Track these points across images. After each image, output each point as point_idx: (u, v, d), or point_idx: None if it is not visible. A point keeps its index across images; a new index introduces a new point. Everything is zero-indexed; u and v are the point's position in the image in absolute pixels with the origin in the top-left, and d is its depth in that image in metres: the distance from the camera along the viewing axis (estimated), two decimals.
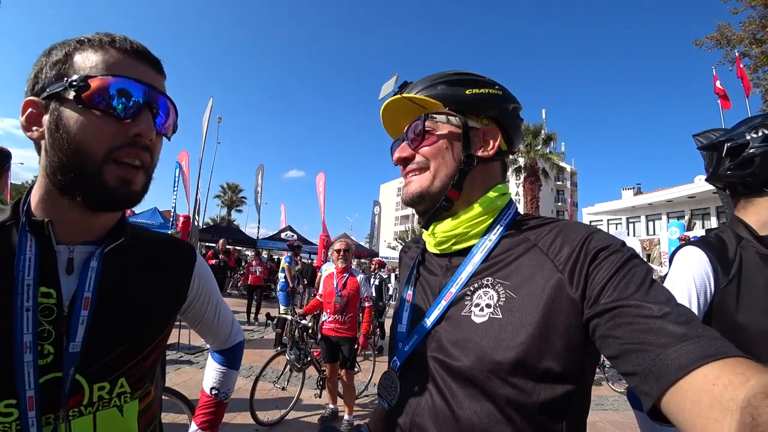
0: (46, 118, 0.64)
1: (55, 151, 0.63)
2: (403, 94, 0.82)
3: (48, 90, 0.63)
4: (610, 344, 0.56)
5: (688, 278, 1.09)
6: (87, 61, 0.64)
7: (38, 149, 0.68)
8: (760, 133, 1.12)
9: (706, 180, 1.32)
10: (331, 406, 4.32)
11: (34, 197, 0.68)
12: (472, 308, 0.71)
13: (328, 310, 4.20)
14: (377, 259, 11.56)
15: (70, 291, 0.66)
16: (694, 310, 1.05)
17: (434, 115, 0.80)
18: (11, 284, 0.61)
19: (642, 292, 0.57)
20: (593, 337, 0.60)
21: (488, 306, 0.69)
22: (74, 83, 0.61)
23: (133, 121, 0.65)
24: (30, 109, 0.65)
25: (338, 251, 4.34)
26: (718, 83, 11.07)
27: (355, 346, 4.21)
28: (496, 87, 0.81)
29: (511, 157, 0.90)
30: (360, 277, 4.35)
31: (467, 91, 0.78)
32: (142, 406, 0.75)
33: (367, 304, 4.35)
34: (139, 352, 0.73)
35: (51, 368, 0.62)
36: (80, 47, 0.65)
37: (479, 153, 0.79)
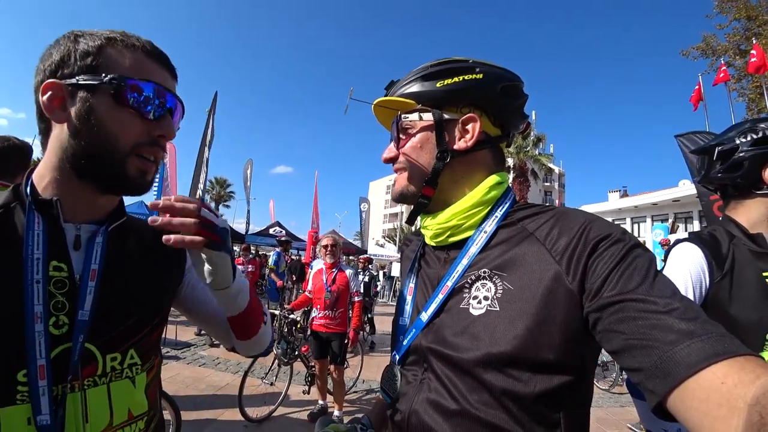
0: (73, 104, 0.67)
1: (81, 139, 0.67)
2: (379, 99, 0.84)
3: (78, 79, 0.66)
4: (613, 339, 0.55)
5: (684, 273, 1.13)
6: (122, 60, 0.69)
7: (46, 130, 0.71)
8: (748, 138, 1.18)
9: (698, 182, 1.38)
10: (320, 402, 4.33)
11: (42, 178, 0.71)
12: (471, 300, 0.70)
13: (318, 306, 4.20)
14: (365, 256, 11.59)
15: (79, 265, 0.71)
16: None
17: (406, 115, 0.80)
18: (20, 260, 0.64)
19: (646, 285, 0.55)
20: (594, 331, 0.59)
21: (486, 298, 0.68)
22: (114, 82, 0.66)
23: (158, 122, 0.72)
24: (50, 92, 0.67)
25: (326, 247, 4.34)
26: (694, 91, 11.24)
27: (345, 341, 4.22)
28: (477, 70, 0.76)
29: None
30: (349, 271, 4.36)
31: (438, 84, 0.77)
32: (149, 378, 0.80)
33: (356, 299, 4.36)
34: (146, 324, 0.78)
35: (66, 338, 0.66)
36: (112, 44, 0.69)
37: (457, 146, 0.77)
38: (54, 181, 0.70)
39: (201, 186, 7.45)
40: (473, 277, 0.72)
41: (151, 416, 0.80)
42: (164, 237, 0.65)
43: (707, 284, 1.12)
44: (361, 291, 4.67)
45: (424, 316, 0.77)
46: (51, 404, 0.62)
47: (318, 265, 4.49)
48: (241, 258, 8.30)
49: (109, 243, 0.75)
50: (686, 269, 1.14)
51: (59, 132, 0.69)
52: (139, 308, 0.77)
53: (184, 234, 0.66)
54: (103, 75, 0.66)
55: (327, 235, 4.78)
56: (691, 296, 1.10)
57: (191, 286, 0.95)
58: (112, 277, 0.73)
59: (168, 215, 0.66)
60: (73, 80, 0.66)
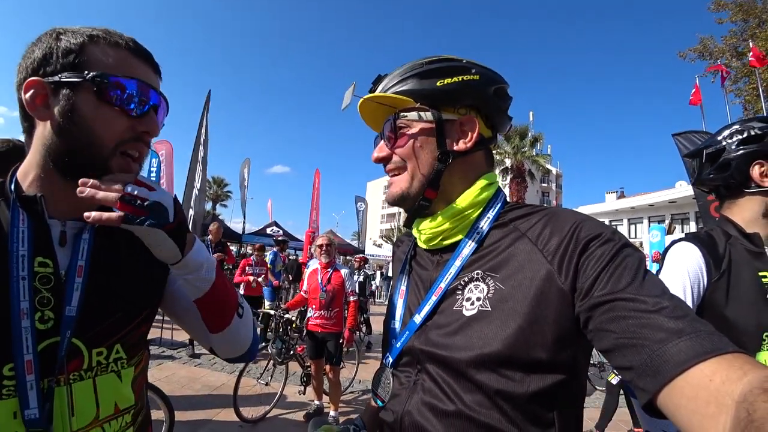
0: (56, 102, 0.67)
1: (65, 137, 0.67)
2: (373, 93, 0.79)
3: (60, 77, 0.66)
4: (604, 338, 0.56)
5: (682, 272, 1.13)
6: (104, 57, 0.69)
7: (30, 129, 0.71)
8: (734, 138, 1.21)
9: (693, 185, 1.40)
10: (316, 402, 4.32)
11: (26, 175, 0.71)
12: (463, 302, 0.70)
13: (314, 306, 4.18)
14: (360, 256, 11.59)
15: (65, 261, 0.71)
16: (689, 303, 1.10)
17: (404, 113, 0.77)
18: (6, 255, 0.64)
19: (636, 285, 0.56)
20: (585, 330, 0.60)
21: (478, 299, 0.68)
22: (97, 79, 0.66)
23: (142, 119, 0.72)
24: (33, 90, 0.67)
25: (320, 246, 4.34)
26: (692, 94, 11.25)
27: (341, 341, 4.21)
28: (473, 71, 0.76)
29: (497, 158, 0.87)
30: (344, 271, 4.36)
31: (438, 83, 0.75)
32: (136, 372, 0.80)
33: (352, 299, 4.35)
34: (133, 319, 0.78)
35: (51, 333, 0.66)
36: (94, 42, 0.69)
37: (456, 147, 0.76)
38: (38, 178, 0.70)
39: (197, 185, 7.39)
40: (466, 279, 0.72)
41: (137, 409, 0.80)
42: (84, 214, 0.64)
43: (705, 284, 1.13)
44: (357, 291, 4.66)
45: (417, 318, 0.76)
46: (39, 398, 0.63)
47: (313, 265, 4.48)
48: (252, 258, 6.95)
49: (96, 239, 0.75)
50: (684, 269, 1.14)
51: (42, 130, 0.69)
52: (125, 303, 0.77)
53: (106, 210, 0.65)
54: (86, 72, 0.66)
55: (322, 234, 4.77)
56: (689, 296, 1.11)
57: (170, 281, 0.93)
58: (99, 273, 0.73)
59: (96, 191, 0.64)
60: (56, 78, 0.66)
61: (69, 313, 0.67)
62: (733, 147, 1.21)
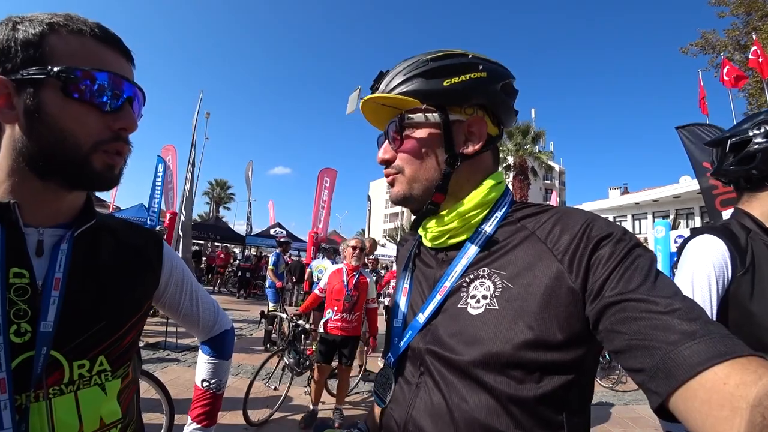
0: (19, 102, 0.62)
1: (35, 139, 0.63)
2: (376, 91, 0.77)
3: (22, 74, 0.61)
4: (614, 339, 0.54)
5: (707, 265, 1.10)
6: (67, 48, 0.63)
7: None
8: (762, 129, 1.16)
9: (711, 174, 1.36)
10: (311, 407, 4.16)
11: (0, 182, 0.66)
12: (469, 300, 0.68)
13: (336, 308, 4.04)
14: (371, 257, 11.59)
15: (42, 272, 0.66)
16: (714, 296, 1.07)
17: (410, 115, 0.74)
18: None
19: (647, 285, 0.55)
20: (595, 331, 0.58)
21: (484, 297, 0.66)
22: (62, 74, 0.60)
23: (117, 115, 0.67)
24: None
25: (354, 248, 4.17)
26: (700, 100, 11.09)
27: (365, 348, 4.14)
28: (480, 68, 0.73)
29: (500, 155, 0.85)
30: (370, 278, 4.26)
31: (445, 83, 0.71)
32: (123, 384, 0.76)
33: (373, 306, 4.29)
34: (116, 331, 0.74)
35: (29, 346, 0.62)
36: (55, 30, 0.63)
37: (465, 150, 0.74)
38: (13, 184, 0.66)
39: (187, 185, 7.37)
40: (472, 277, 0.70)
41: (126, 423, 0.77)
42: None
43: (729, 278, 1.09)
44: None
45: (421, 318, 0.74)
46: (14, 417, 0.58)
47: (333, 265, 4.39)
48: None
49: (76, 247, 0.71)
50: (709, 262, 1.10)
51: (11, 132, 0.64)
52: (109, 312, 0.73)
53: None
54: (50, 67, 0.60)
55: (353, 237, 4.67)
56: (714, 289, 1.08)
57: (161, 287, 0.92)
58: (79, 283, 0.69)
59: None
60: (18, 75, 0.61)
61: (44, 329, 0.63)
62: (760, 139, 1.15)
